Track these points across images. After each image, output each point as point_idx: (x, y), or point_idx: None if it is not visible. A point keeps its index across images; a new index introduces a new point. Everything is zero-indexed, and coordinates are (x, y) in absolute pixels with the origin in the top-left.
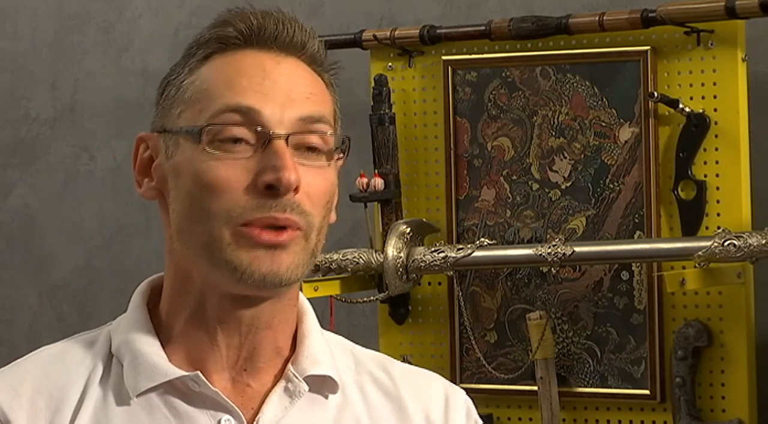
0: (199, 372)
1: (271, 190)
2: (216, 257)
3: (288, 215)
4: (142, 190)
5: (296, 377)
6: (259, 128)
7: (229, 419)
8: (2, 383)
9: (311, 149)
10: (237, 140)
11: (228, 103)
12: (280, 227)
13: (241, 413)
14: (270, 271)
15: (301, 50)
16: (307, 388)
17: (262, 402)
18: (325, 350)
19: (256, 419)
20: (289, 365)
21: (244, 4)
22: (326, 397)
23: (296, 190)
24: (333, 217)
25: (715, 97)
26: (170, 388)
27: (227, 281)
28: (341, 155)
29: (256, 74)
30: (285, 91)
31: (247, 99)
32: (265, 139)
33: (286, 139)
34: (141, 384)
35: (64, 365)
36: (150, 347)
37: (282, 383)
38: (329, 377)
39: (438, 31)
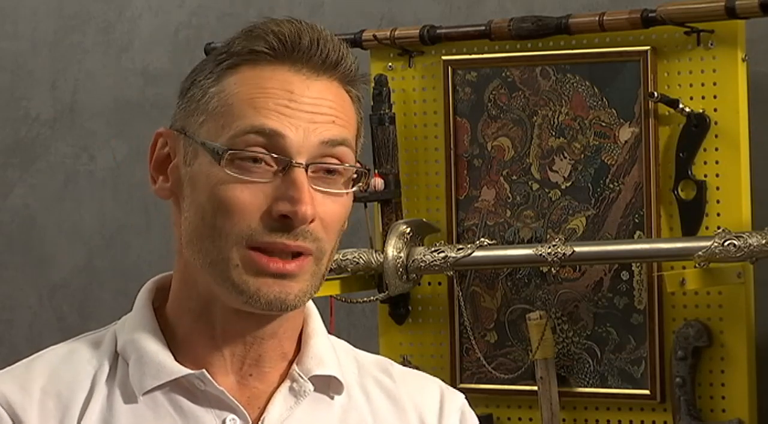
0: (204, 370)
1: (285, 219)
2: (223, 277)
3: (300, 242)
4: (156, 187)
5: (301, 377)
6: (279, 155)
7: (234, 419)
8: (13, 384)
9: (330, 172)
10: (257, 160)
11: (252, 123)
12: (292, 254)
13: (246, 413)
14: (277, 298)
15: (333, 69)
16: (312, 388)
17: (267, 402)
18: (330, 351)
19: (261, 418)
20: (294, 365)
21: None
22: (332, 398)
23: (311, 221)
24: (344, 226)
25: (715, 97)
26: (176, 386)
27: (232, 300)
28: (360, 183)
29: (283, 96)
30: (310, 114)
31: (270, 121)
32: (285, 165)
33: (306, 168)
34: (147, 383)
35: (72, 365)
36: (155, 345)
37: (287, 383)
38: (334, 377)
39: (438, 31)
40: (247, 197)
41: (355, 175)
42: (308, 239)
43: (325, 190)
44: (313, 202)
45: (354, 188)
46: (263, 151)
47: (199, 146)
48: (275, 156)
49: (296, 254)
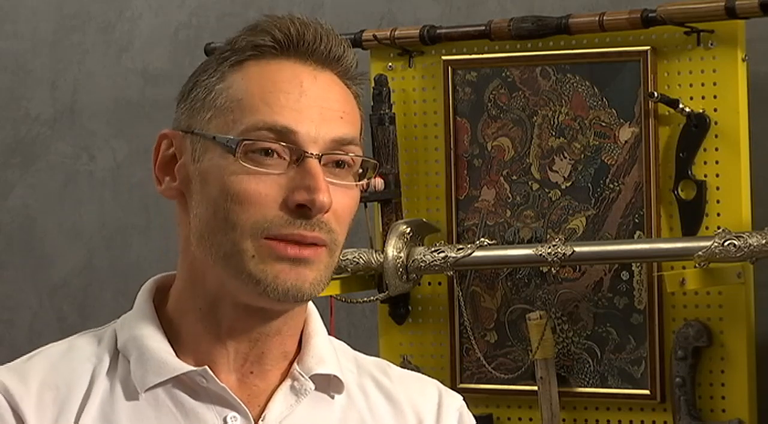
0: (207, 367)
1: (303, 208)
2: (238, 269)
3: (316, 233)
4: (163, 188)
5: (302, 376)
6: (293, 146)
7: (235, 416)
8: (13, 375)
9: (340, 166)
10: (270, 153)
11: (264, 120)
12: (307, 244)
13: (247, 410)
14: (294, 286)
15: (337, 63)
16: (312, 386)
17: (268, 400)
18: (330, 350)
19: (262, 416)
20: (295, 364)
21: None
22: (332, 397)
23: (327, 211)
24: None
25: (715, 97)
26: (177, 383)
27: (248, 293)
28: (367, 175)
29: (293, 90)
30: (320, 108)
31: (283, 117)
32: (298, 156)
33: (319, 159)
34: (149, 379)
35: (71, 360)
36: (157, 343)
37: (288, 382)
38: (335, 376)
39: (438, 31)
40: (262, 189)
41: (361, 170)
42: (323, 230)
43: (337, 182)
44: (329, 192)
45: (363, 181)
46: (277, 143)
47: (210, 141)
48: (289, 146)
49: (311, 245)
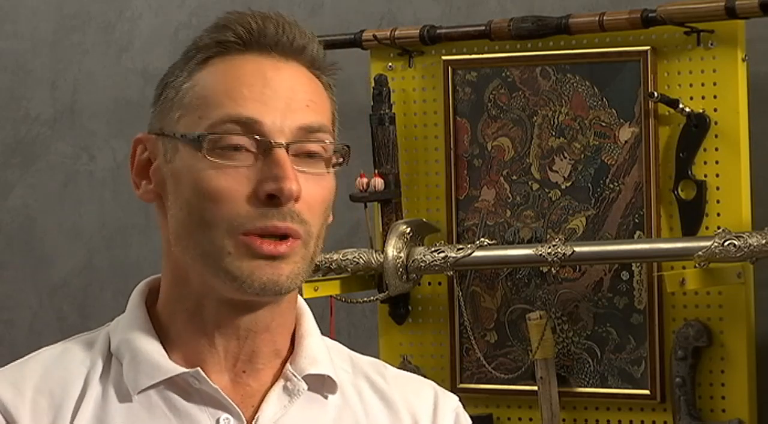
0: (199, 369)
1: (273, 199)
2: (216, 266)
3: (288, 223)
4: (140, 192)
5: (295, 376)
6: (259, 137)
7: (228, 418)
8: (5, 382)
9: (310, 155)
10: (237, 148)
11: (229, 113)
12: (281, 237)
13: (240, 412)
14: (270, 280)
15: (301, 54)
16: (305, 387)
17: (261, 401)
18: (323, 350)
19: (255, 417)
20: (288, 365)
21: (244, 6)
22: (325, 397)
23: (297, 199)
24: (330, 217)
25: (715, 97)
26: (170, 385)
27: (227, 289)
28: (340, 161)
29: (256, 82)
30: (285, 99)
31: (247, 109)
32: (265, 148)
33: (287, 148)
34: (141, 382)
35: (64, 364)
36: (150, 345)
37: (281, 382)
38: (328, 376)
39: (438, 31)
40: (232, 184)
41: (338, 159)
42: (295, 221)
43: (308, 170)
44: (298, 179)
45: (335, 168)
46: (243, 136)
47: (178, 140)
48: (255, 138)
49: (285, 237)
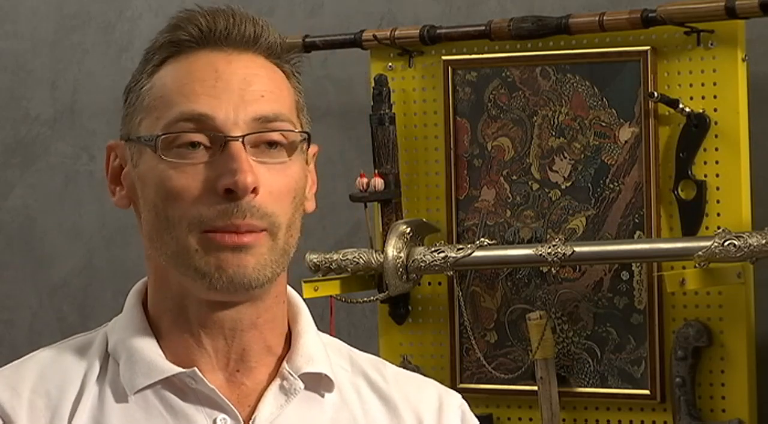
0: (196, 368)
1: (230, 193)
2: (186, 265)
3: (249, 220)
4: (115, 198)
5: (291, 375)
6: (213, 133)
7: (225, 418)
8: (2, 383)
9: (271, 145)
10: (194, 145)
11: (182, 111)
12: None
13: (237, 412)
14: (236, 273)
15: (254, 44)
16: (302, 385)
17: (258, 400)
18: (320, 348)
19: (252, 417)
20: (284, 363)
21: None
22: (322, 396)
23: (255, 191)
24: (311, 206)
25: (715, 97)
26: (167, 385)
27: (199, 288)
28: (304, 147)
29: (207, 77)
30: (238, 91)
31: (200, 105)
32: (220, 143)
33: (242, 141)
34: (138, 381)
35: (62, 365)
36: (146, 345)
37: (277, 381)
38: (325, 375)
39: (438, 31)
40: (190, 182)
41: (301, 147)
42: (255, 216)
43: (269, 160)
44: (254, 171)
45: (295, 155)
46: (197, 132)
47: (141, 144)
48: (209, 134)
49: (248, 231)
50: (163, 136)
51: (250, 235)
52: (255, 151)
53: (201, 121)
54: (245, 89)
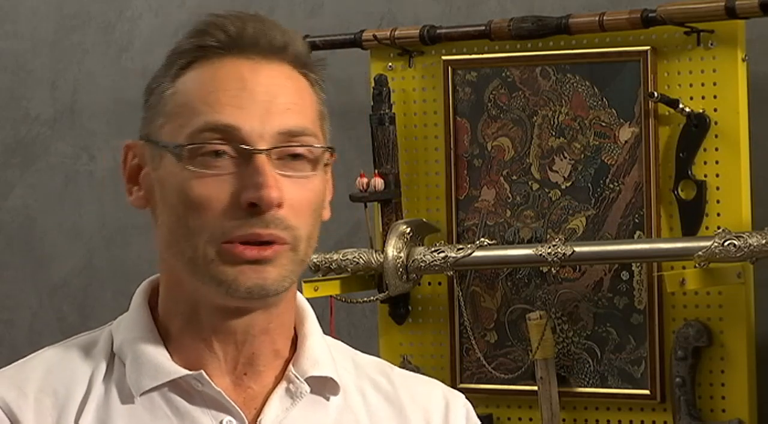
0: (202, 371)
1: (254, 207)
2: (202, 272)
3: (271, 230)
4: (132, 198)
5: (297, 379)
6: (239, 145)
7: (231, 421)
8: (8, 383)
9: (295, 156)
10: (219, 154)
11: (207, 121)
12: (265, 242)
13: (243, 414)
14: (256, 284)
15: (282, 53)
16: (308, 389)
17: (264, 403)
18: (325, 352)
19: (258, 420)
20: (290, 367)
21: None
22: (327, 399)
23: (279, 205)
24: (327, 214)
25: (715, 97)
26: (173, 387)
27: (215, 294)
28: (328, 161)
29: (233, 86)
30: (264, 102)
31: (225, 116)
32: (245, 154)
33: (268, 154)
34: (144, 383)
35: (68, 364)
36: (153, 346)
37: (283, 384)
38: (330, 378)
39: (438, 31)
40: (213, 193)
41: (325, 160)
42: (279, 227)
43: (293, 174)
44: (279, 185)
45: (318, 169)
46: (223, 143)
47: (163, 148)
48: (234, 145)
49: (269, 243)
50: (189, 146)
51: (272, 248)
52: (279, 164)
53: (226, 132)
54: (271, 101)
